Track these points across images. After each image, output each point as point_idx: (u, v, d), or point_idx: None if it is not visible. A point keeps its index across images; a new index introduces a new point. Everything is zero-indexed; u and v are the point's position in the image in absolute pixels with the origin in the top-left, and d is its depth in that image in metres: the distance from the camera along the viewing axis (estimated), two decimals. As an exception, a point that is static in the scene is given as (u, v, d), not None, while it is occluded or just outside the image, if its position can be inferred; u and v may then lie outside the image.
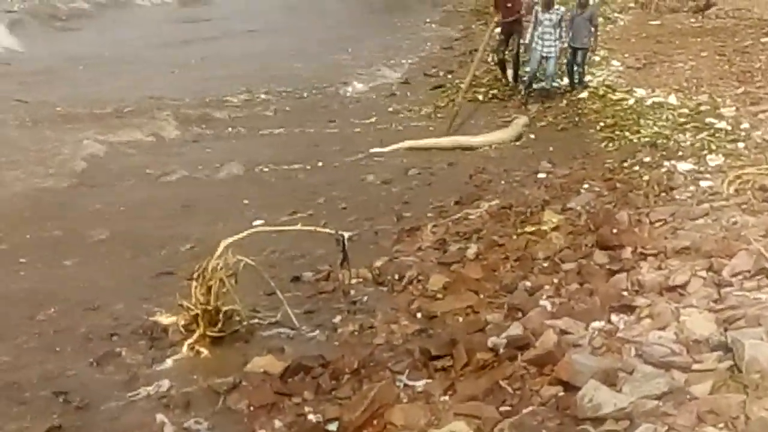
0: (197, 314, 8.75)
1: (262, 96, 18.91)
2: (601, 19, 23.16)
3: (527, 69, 17.38)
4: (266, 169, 14.38)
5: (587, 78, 17.50)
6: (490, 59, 19.56)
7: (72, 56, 23.31)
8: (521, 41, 17.34)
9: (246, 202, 12.90)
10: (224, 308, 8.79)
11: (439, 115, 16.80)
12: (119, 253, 11.24)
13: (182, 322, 8.92)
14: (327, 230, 10.07)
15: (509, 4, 17.65)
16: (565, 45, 16.57)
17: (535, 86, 17.02)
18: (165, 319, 9.13)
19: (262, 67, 21.51)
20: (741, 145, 12.61)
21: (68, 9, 30.43)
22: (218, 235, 9.65)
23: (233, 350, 8.77)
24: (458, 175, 13.56)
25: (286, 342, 8.83)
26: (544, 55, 16.47)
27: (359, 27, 27.12)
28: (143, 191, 13.56)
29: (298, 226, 9.94)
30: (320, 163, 14.55)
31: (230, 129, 16.86)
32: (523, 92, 17.07)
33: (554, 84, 17.11)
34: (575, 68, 17.15)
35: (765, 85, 15.61)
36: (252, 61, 22.38)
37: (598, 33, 17.32)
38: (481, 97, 17.32)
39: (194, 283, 8.83)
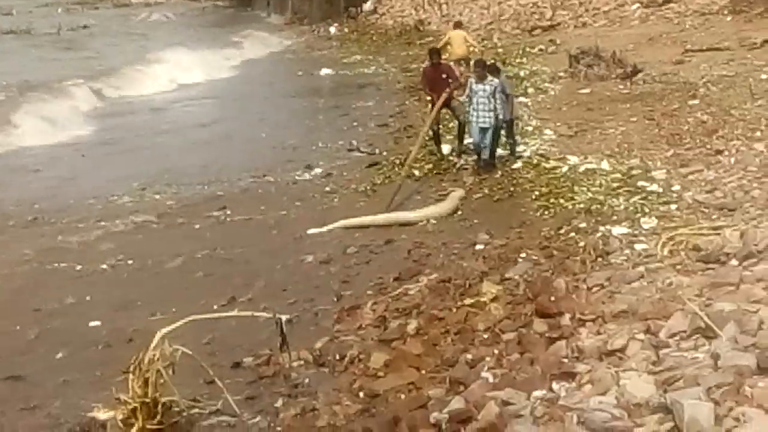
0: (135, 407, 8.57)
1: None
2: (532, 90, 23.75)
3: (470, 141, 17.52)
4: (204, 255, 14.25)
5: (521, 148, 17.69)
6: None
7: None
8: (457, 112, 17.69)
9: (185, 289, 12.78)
10: (162, 399, 8.63)
11: (376, 192, 16.82)
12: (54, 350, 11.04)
13: (120, 417, 8.74)
14: (264, 314, 9.98)
15: (444, 76, 17.92)
16: (500, 116, 16.75)
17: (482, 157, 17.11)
18: (103, 415, 8.94)
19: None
20: (673, 206, 12.79)
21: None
22: (155, 325, 9.53)
23: (174, 442, 8.61)
24: (397, 251, 13.56)
25: (228, 431, 8.70)
26: (482, 125, 16.64)
27: (289, 112, 27.25)
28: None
29: (235, 312, 9.86)
30: (259, 247, 14.46)
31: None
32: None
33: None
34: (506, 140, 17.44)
35: (694, 147, 15.87)
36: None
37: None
38: (417, 172, 17.40)
39: (131, 376, 8.67)
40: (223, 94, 31.85)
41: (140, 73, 34.84)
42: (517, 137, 17.93)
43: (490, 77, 16.97)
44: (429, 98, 18.26)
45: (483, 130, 16.69)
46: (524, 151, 17.62)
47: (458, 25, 29.05)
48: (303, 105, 28.27)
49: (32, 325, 11.89)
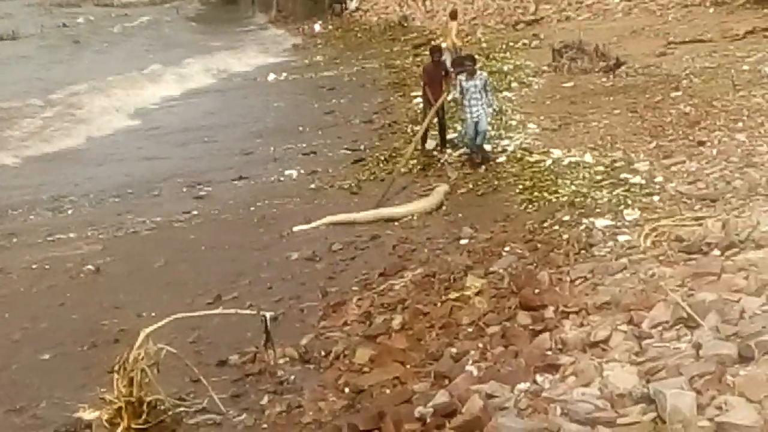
0: (120, 407, 8.58)
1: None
2: (516, 84, 23.78)
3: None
4: (189, 253, 14.28)
5: (505, 142, 17.75)
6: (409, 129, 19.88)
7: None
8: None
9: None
10: (148, 399, 8.64)
11: (361, 189, 16.83)
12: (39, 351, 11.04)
13: (106, 417, 8.75)
14: (248, 311, 10.00)
15: (443, 74, 18.03)
16: (492, 107, 16.86)
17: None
18: (88, 415, 8.95)
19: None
20: (656, 198, 12.82)
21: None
22: (141, 323, 9.55)
23: (160, 441, 8.62)
24: (382, 246, 13.58)
25: (213, 428, 8.72)
26: (475, 119, 16.71)
27: (272, 110, 27.26)
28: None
29: (220, 310, 9.87)
30: (245, 245, 14.47)
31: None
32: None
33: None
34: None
35: (676, 139, 15.90)
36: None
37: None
38: (403, 169, 17.40)
39: (116, 375, 8.68)
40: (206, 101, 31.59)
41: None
42: (501, 131, 17.97)
43: (478, 72, 17.08)
44: (429, 96, 18.09)
45: (477, 125, 16.76)
46: (508, 145, 17.65)
47: (453, 16, 28.58)
48: (287, 103, 28.27)
49: (17, 327, 11.89)
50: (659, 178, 13.68)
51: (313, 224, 14.91)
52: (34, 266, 14.28)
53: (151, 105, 30.24)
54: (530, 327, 9.07)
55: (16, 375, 10.53)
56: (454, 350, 9.04)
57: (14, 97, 30.96)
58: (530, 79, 24.51)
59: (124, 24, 58.16)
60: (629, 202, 12.87)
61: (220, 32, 51.01)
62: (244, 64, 38.26)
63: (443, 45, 24.36)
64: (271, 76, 33.57)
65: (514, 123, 19.36)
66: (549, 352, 8.22)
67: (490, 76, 23.26)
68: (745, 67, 20.65)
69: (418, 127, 18.34)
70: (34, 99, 30.59)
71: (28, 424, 9.24)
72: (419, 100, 20.49)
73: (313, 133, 22.44)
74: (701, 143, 15.16)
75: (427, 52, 19.90)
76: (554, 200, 13.89)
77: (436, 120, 18.10)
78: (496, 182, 15.70)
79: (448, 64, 20.58)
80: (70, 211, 17.73)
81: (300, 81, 32.39)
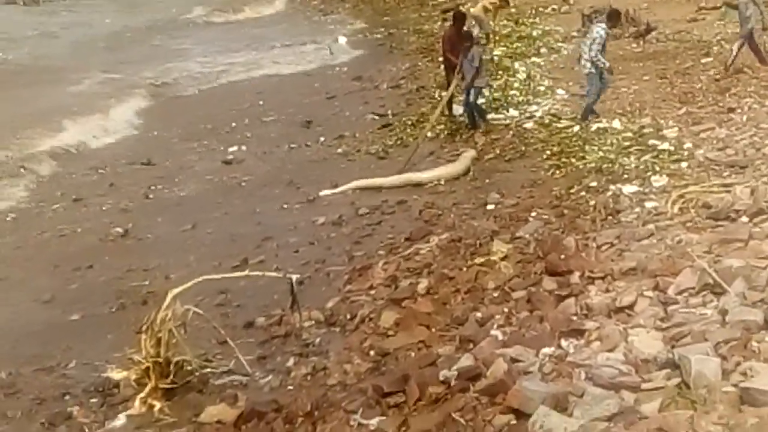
0: (148, 367, 8.68)
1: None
2: (545, 50, 23.61)
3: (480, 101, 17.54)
4: (217, 217, 14.37)
5: (533, 108, 17.70)
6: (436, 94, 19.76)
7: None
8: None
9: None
10: (175, 359, 8.74)
11: (388, 154, 16.82)
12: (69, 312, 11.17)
13: (134, 377, 8.87)
14: (275, 274, 10.06)
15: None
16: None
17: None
18: (116, 375, 9.08)
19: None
20: (684, 164, 12.71)
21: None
22: (169, 285, 9.65)
23: (186, 401, 8.76)
24: (408, 211, 13.59)
25: (240, 389, 8.80)
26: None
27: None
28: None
29: (246, 272, 9.93)
30: (272, 209, 14.54)
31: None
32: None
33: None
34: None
35: (706, 105, 15.77)
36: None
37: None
38: (429, 133, 17.36)
39: (143, 336, 8.77)
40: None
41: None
42: (528, 97, 17.99)
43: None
44: (452, 61, 17.89)
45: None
46: (536, 111, 17.56)
47: None
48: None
49: (48, 288, 12.04)
50: (688, 145, 13.57)
51: (340, 189, 14.94)
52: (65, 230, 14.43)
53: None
54: (555, 292, 9.04)
55: (46, 335, 10.67)
56: (479, 314, 9.03)
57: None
58: (559, 44, 24.30)
59: None
60: (657, 168, 12.76)
61: None
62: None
63: (472, 11, 24.22)
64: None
65: (542, 89, 19.21)
66: (574, 317, 8.22)
67: (519, 41, 23.21)
68: (778, 33, 20.39)
69: (444, 93, 18.25)
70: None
71: (57, 384, 9.38)
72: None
73: (340, 99, 22.42)
74: (731, 110, 15.02)
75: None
76: (581, 166, 13.79)
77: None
78: (523, 148, 15.60)
79: (476, 32, 20.38)
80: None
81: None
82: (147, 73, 27.77)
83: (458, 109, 18.21)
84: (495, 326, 8.63)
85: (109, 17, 39.35)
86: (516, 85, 18.76)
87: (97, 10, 41.17)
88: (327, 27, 35.59)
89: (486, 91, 17.99)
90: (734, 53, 17.78)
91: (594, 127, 15.56)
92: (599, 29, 16.03)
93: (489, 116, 17.60)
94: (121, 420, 8.56)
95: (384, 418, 7.42)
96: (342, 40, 32.43)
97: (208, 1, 41.68)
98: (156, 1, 42.56)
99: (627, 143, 14.32)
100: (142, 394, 8.68)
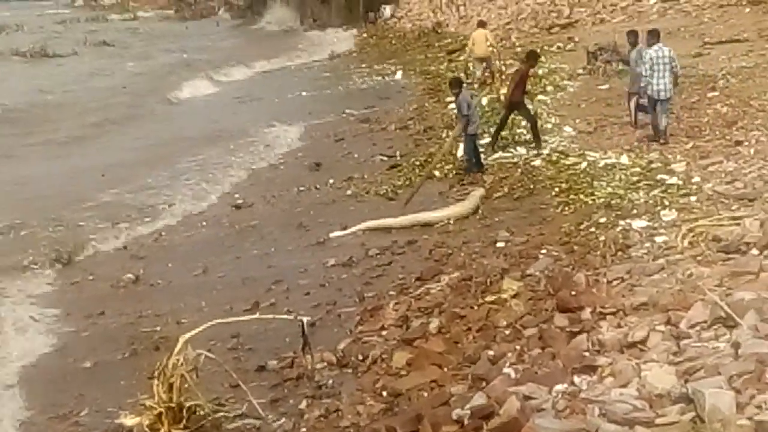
0: (161, 413, 8.67)
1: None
2: (551, 88, 23.73)
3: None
4: (227, 260, 14.41)
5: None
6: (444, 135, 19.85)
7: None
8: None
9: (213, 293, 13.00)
10: (188, 404, 8.72)
11: (397, 195, 16.86)
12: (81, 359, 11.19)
13: (147, 422, 8.84)
14: (286, 317, 10.07)
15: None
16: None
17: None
18: (129, 421, 9.04)
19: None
20: (693, 198, 12.76)
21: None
22: (180, 330, 9.65)
23: (200, 446, 8.70)
24: (418, 251, 13.59)
25: (253, 433, 8.78)
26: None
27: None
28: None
29: (257, 315, 9.94)
30: (282, 252, 14.57)
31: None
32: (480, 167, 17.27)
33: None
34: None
35: (713, 139, 15.85)
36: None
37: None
38: (437, 173, 17.43)
39: (156, 381, 8.77)
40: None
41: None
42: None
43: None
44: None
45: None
46: (544, 148, 17.62)
47: (482, 24, 29.07)
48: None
49: (60, 336, 12.08)
50: (696, 179, 13.62)
51: (350, 230, 14.97)
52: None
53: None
54: (567, 329, 9.04)
55: (59, 383, 10.68)
56: (491, 353, 9.03)
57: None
58: (565, 82, 24.50)
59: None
60: (666, 202, 12.81)
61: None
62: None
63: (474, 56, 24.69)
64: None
65: (549, 126, 19.33)
66: (586, 354, 8.21)
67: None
68: (783, 66, 20.51)
69: (452, 132, 18.35)
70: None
71: (70, 431, 9.35)
72: (453, 106, 20.39)
73: (348, 141, 22.52)
74: (738, 143, 15.09)
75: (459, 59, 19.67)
76: (590, 202, 13.84)
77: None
78: (532, 185, 15.66)
79: (478, 74, 20.39)
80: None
81: (334, 89, 32.58)
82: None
83: (461, 151, 18.27)
84: (507, 364, 8.63)
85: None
86: (523, 123, 18.77)
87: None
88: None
89: (485, 136, 18.17)
90: (632, 112, 18.07)
91: (602, 163, 15.61)
92: (665, 49, 16.39)
93: (496, 155, 17.72)
94: (135, 466, 8.55)
95: (398, 458, 7.40)
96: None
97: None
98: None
99: (635, 178, 14.40)
100: (155, 440, 8.67)
